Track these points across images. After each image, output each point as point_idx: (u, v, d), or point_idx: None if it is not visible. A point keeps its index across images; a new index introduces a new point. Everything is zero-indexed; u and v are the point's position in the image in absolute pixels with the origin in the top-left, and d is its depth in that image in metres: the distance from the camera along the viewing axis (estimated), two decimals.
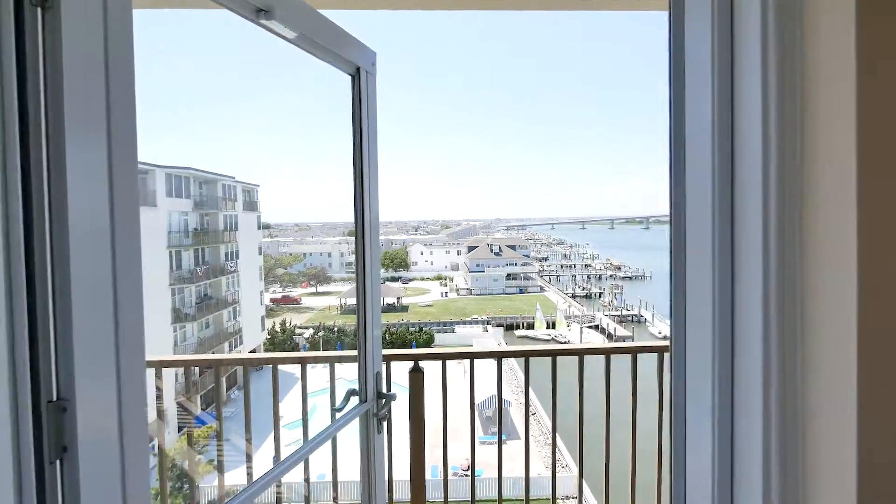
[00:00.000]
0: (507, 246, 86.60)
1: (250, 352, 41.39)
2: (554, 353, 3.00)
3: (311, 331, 50.55)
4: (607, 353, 3.00)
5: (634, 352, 2.93)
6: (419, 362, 3.07)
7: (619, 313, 59.18)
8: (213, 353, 34.65)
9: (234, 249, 37.99)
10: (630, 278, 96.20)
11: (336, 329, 47.53)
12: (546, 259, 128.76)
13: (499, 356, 3.12)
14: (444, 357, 3.08)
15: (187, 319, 31.11)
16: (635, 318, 58.76)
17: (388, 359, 2.91)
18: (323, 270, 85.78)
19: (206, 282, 34.22)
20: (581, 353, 2.99)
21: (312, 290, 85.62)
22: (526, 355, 3.06)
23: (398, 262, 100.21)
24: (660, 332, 51.95)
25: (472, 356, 3.08)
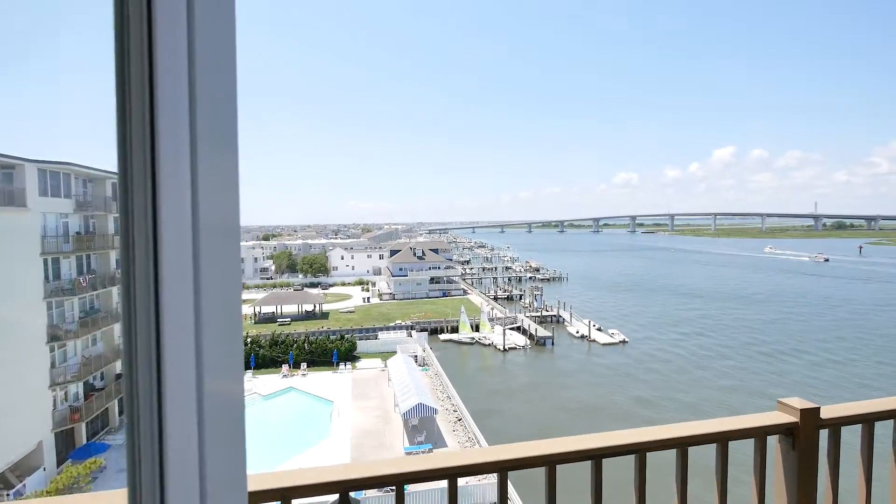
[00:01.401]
0: (430, 249, 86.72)
1: None
2: (598, 456, 1.69)
3: None
4: (683, 445, 1.78)
5: (725, 439, 1.82)
6: (351, 493, 1.52)
7: (539, 314, 61.46)
8: (102, 371, 30.47)
9: None
10: (548, 280, 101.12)
11: (249, 340, 44.16)
12: (468, 262, 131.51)
13: (503, 469, 1.64)
14: (399, 482, 1.55)
15: (68, 337, 26.95)
16: (554, 319, 61.40)
17: (282, 498, 1.42)
18: None
19: (93, 293, 29.96)
20: (641, 449, 1.73)
21: None
22: (550, 463, 1.62)
23: (317, 267, 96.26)
24: (577, 332, 54.68)
25: (451, 475, 1.58)
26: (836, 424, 1.93)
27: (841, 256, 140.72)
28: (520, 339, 51.70)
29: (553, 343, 51.15)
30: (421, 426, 29.12)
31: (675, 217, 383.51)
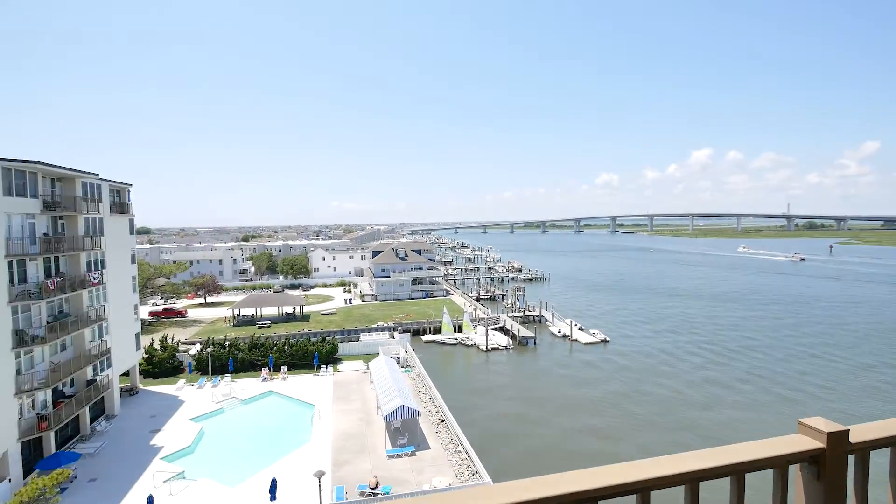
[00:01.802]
0: (413, 250, 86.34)
1: (122, 375, 35.97)
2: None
3: (198, 346, 45.40)
4: (693, 480, 1.51)
5: (741, 471, 1.56)
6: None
7: (521, 314, 61.69)
8: (73, 377, 29.35)
9: (98, 258, 32.63)
10: (530, 280, 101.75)
11: (228, 343, 43.19)
12: (451, 262, 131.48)
13: None
14: None
15: (35, 343, 25.88)
16: (536, 319, 61.69)
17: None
18: (213, 279, 78.08)
19: (62, 296, 28.82)
20: (645, 488, 1.46)
21: (200, 300, 77.62)
22: None
23: (298, 268, 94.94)
24: (559, 332, 55.01)
25: None
26: (865, 449, 1.65)
27: (813, 256, 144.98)
28: (502, 340, 51.77)
29: (535, 343, 51.36)
30: (404, 429, 28.85)
31: (655, 217, 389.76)
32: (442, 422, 30.48)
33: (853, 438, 1.62)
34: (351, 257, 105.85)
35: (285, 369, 40.34)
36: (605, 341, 51.35)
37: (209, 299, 77.20)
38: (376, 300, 75.03)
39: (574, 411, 34.01)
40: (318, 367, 41.49)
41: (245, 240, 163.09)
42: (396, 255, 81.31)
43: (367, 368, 39.96)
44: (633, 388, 38.06)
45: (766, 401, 34.94)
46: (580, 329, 54.69)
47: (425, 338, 54.33)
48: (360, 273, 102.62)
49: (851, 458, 1.64)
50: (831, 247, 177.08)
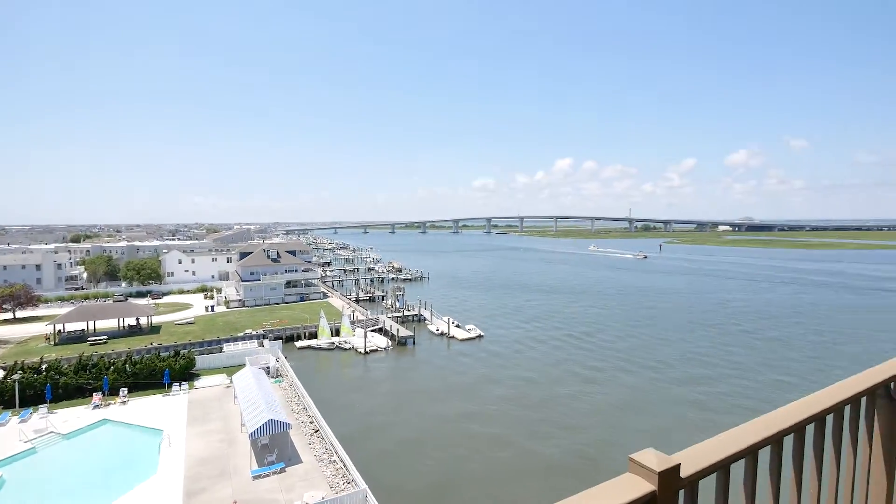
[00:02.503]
0: (287, 251, 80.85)
1: None
2: None
3: (1, 373, 36.35)
4: None
5: None
6: None
7: (401, 314, 61.32)
8: None
9: None
10: (411, 280, 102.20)
11: (45, 367, 35.38)
12: (329, 264, 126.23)
13: None
14: None
15: None
16: (416, 318, 61.84)
17: None
18: (25, 288, 63.72)
19: None
20: None
21: (7, 315, 62.78)
22: None
23: (147, 273, 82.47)
24: (437, 330, 55.74)
25: None
26: (695, 481, 1.52)
27: (650, 253, 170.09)
28: (381, 341, 50.78)
29: (414, 342, 51.35)
30: (272, 445, 26.31)
31: (525, 219, 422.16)
32: (316, 432, 28.52)
33: (684, 472, 1.48)
34: (214, 259, 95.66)
35: (125, 392, 34.36)
36: (479, 336, 53.37)
37: (20, 314, 63.20)
38: (244, 306, 68.70)
39: (447, 401, 35.06)
40: (170, 386, 36.16)
41: (75, 240, 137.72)
42: (268, 256, 75.37)
43: (231, 382, 35.94)
44: (501, 376, 40.51)
45: (605, 369, 39.45)
46: (457, 326, 56.14)
47: (299, 344, 50.97)
48: (225, 277, 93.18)
49: (681, 492, 1.51)
50: (661, 246, 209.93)
